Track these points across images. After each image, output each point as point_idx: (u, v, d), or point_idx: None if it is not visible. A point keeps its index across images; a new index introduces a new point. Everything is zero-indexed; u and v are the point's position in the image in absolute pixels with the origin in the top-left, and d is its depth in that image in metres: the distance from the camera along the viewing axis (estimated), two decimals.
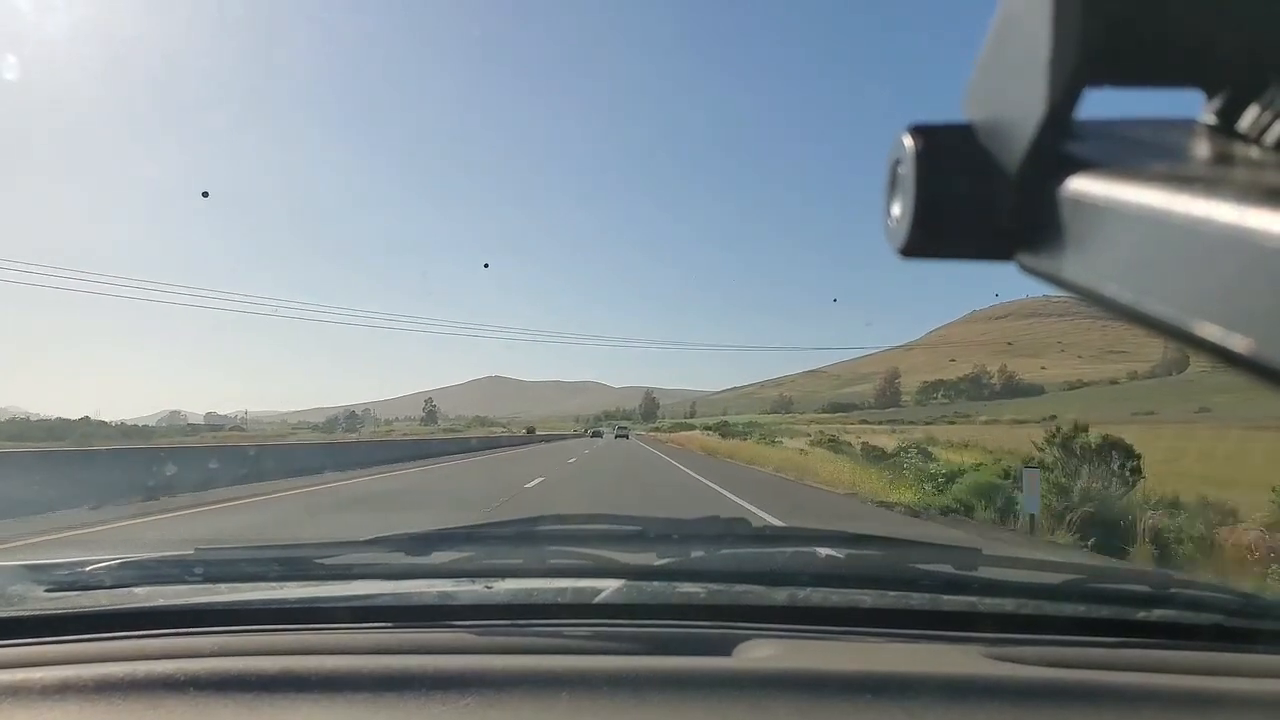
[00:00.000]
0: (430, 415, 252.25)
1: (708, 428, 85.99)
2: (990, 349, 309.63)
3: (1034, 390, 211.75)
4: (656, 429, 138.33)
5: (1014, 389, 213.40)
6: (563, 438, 76.77)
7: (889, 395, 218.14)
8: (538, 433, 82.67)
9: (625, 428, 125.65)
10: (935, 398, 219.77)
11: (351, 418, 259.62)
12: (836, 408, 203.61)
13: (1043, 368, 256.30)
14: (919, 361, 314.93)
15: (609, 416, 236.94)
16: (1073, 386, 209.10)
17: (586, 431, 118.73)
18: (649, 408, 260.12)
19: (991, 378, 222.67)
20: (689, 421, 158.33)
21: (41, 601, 1.05)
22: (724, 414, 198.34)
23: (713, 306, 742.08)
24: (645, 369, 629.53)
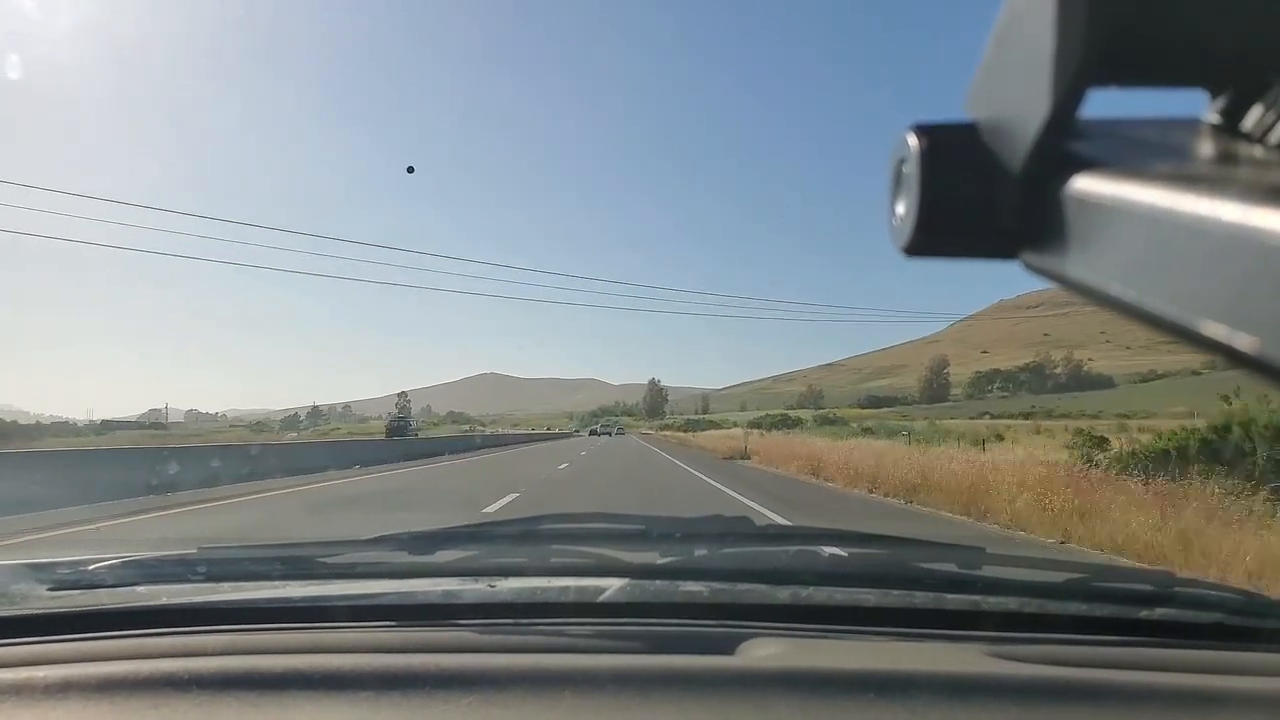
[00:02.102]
0: (404, 412, 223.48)
1: (761, 424, 55.88)
2: (1022, 340, 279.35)
3: (1103, 382, 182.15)
4: (668, 427, 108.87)
5: (1082, 380, 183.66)
6: (518, 441, 50.76)
7: (937, 387, 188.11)
8: (446, 435, 52.41)
9: (609, 424, 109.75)
10: (990, 389, 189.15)
11: (315, 414, 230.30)
12: (875, 401, 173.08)
13: (1090, 359, 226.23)
14: (947, 354, 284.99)
15: (607, 412, 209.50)
16: (1145, 379, 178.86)
17: (579, 430, 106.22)
18: (654, 402, 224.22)
19: (1055, 366, 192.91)
20: (708, 418, 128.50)
21: (44, 600, 1.05)
22: (742, 409, 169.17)
23: (722, 309, 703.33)
24: (645, 365, 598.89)
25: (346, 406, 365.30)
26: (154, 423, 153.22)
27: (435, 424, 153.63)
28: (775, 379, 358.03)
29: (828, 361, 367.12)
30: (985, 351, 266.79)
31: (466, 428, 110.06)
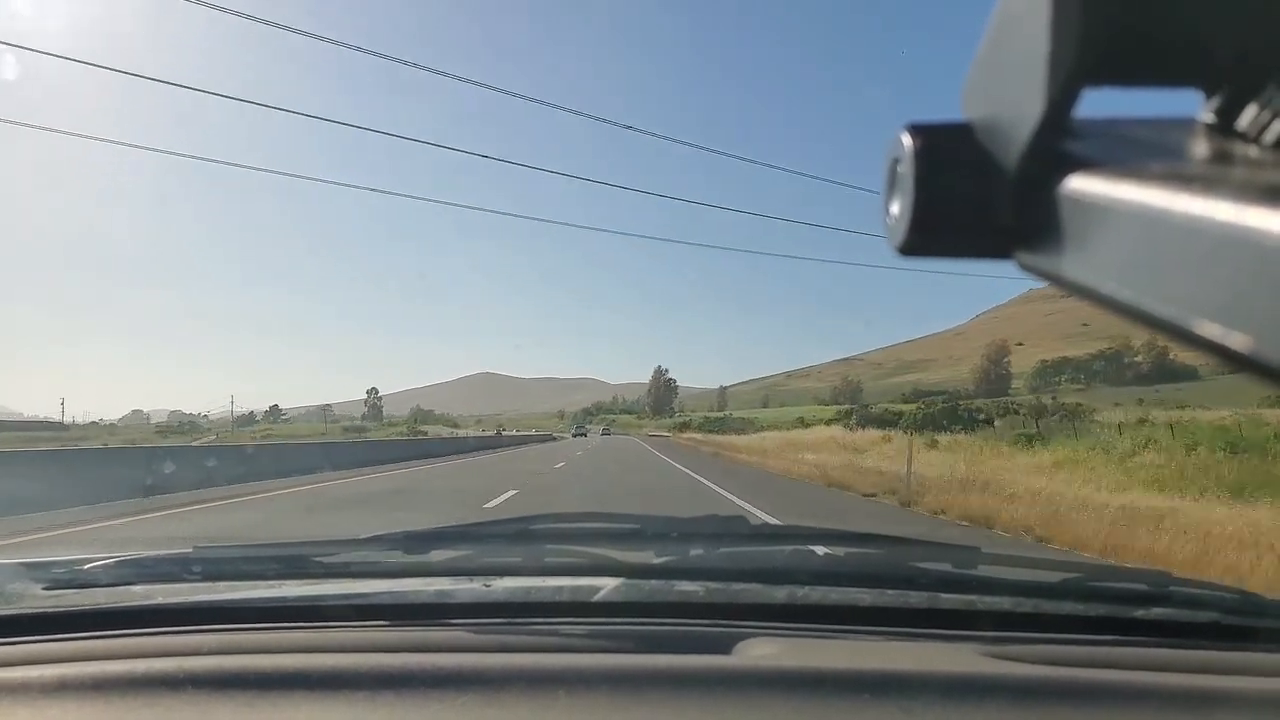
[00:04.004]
0: (374, 411, 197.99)
1: (894, 421, 29.93)
2: (1059, 331, 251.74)
3: (1188, 373, 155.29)
4: (685, 426, 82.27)
5: (1167, 371, 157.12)
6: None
7: (995, 379, 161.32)
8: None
9: (583, 426, 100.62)
10: (1058, 380, 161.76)
11: (273, 413, 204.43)
12: (922, 394, 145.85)
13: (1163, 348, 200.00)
14: (976, 346, 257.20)
15: (603, 410, 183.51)
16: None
17: (543, 434, 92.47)
18: (661, 396, 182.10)
19: (1135, 355, 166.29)
20: (738, 415, 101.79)
21: (39, 599, 1.04)
22: (764, 405, 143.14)
23: (723, 305, 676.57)
24: (644, 363, 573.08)
25: (327, 407, 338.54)
26: (54, 423, 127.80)
27: (389, 425, 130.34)
28: (788, 375, 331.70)
29: (843, 356, 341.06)
30: (1020, 344, 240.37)
31: (396, 430, 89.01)
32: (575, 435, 76.65)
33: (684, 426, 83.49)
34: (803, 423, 51.19)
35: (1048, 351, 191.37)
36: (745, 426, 65.63)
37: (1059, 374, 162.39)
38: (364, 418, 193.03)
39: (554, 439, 64.68)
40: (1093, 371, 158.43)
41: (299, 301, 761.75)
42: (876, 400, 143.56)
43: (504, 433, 72.88)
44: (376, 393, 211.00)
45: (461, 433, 69.59)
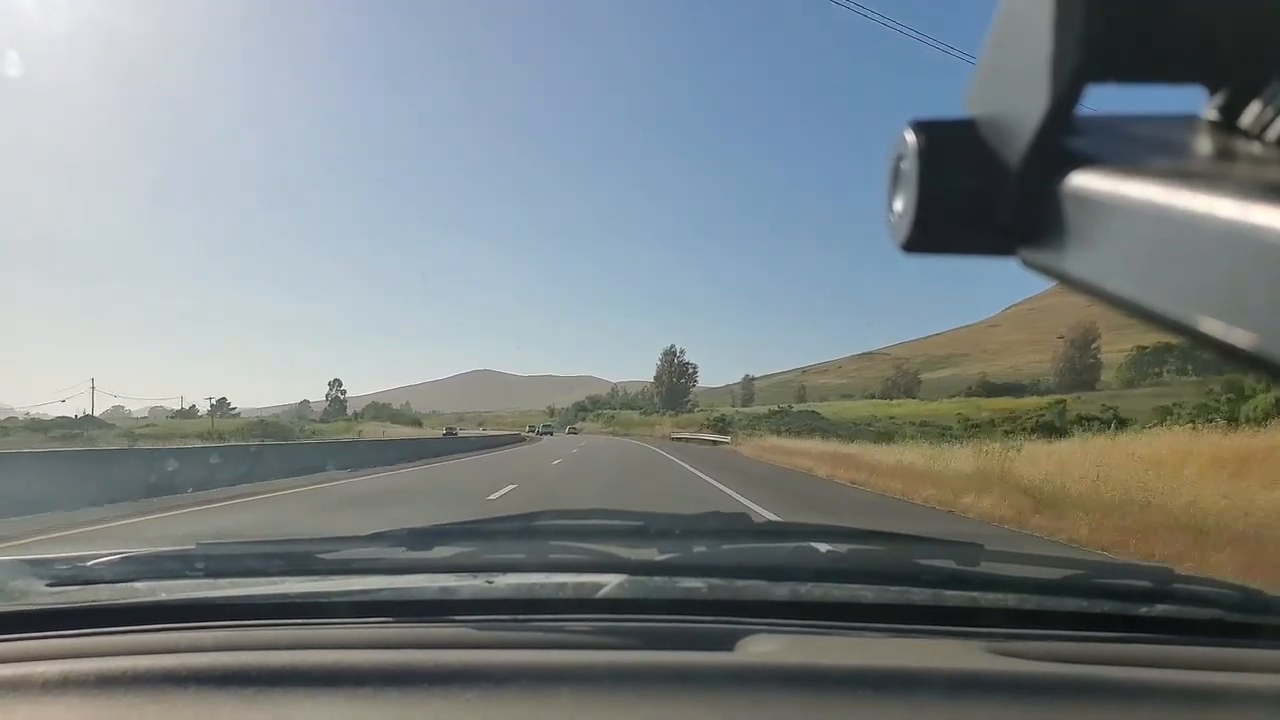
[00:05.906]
0: (336, 406, 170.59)
1: None
2: (1109, 322, 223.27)
3: None
4: (718, 424, 55.43)
5: None
6: None
7: (1084, 369, 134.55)
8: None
9: (549, 427, 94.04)
10: (1158, 371, 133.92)
11: (220, 406, 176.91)
12: (992, 389, 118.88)
13: None
14: (1014, 339, 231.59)
15: (600, 405, 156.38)
16: None
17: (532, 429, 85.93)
18: (675, 385, 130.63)
19: None
20: (793, 408, 75.05)
21: (42, 596, 1.05)
22: (799, 399, 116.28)
23: (727, 301, 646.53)
24: (645, 362, 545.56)
25: (304, 403, 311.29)
26: None
27: (340, 420, 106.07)
28: (804, 371, 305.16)
29: (864, 350, 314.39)
30: (1061, 336, 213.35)
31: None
32: (540, 434, 67.38)
33: (721, 424, 56.36)
34: (1086, 420, 24.09)
35: (1106, 341, 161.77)
36: (830, 427, 39.16)
37: (1160, 363, 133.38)
38: (326, 413, 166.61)
39: (522, 440, 53.72)
40: (1203, 362, 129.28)
41: (296, 301, 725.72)
42: (933, 396, 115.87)
43: (455, 433, 61.93)
44: (339, 384, 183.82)
45: (411, 433, 62.36)
